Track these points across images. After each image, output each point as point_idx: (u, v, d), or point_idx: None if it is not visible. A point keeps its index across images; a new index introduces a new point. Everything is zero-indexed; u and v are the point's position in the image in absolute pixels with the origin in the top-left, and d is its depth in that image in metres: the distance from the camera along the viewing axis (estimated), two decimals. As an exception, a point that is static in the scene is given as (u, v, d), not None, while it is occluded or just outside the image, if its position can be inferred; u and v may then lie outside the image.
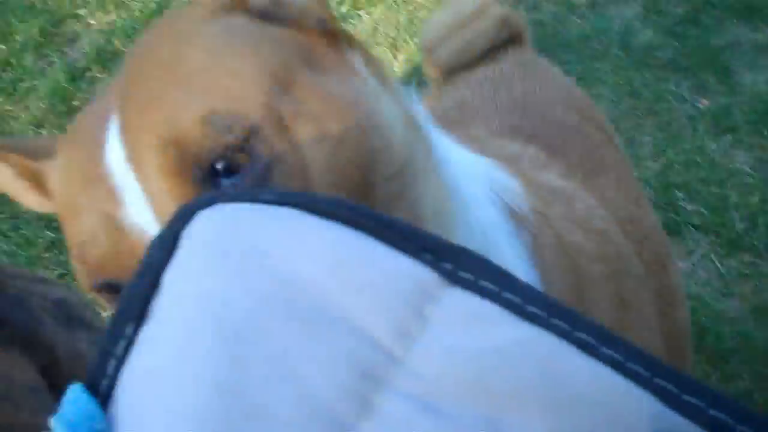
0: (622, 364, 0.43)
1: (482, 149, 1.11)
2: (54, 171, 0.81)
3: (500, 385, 0.42)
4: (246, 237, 0.49)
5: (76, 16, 3.68)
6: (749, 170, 2.90)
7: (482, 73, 1.57)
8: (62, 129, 3.05)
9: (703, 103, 3.19)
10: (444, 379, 0.43)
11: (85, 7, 3.71)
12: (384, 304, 0.45)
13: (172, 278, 0.49)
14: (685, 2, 3.59)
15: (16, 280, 1.56)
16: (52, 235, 2.73)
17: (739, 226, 2.70)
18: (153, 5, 3.65)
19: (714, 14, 3.53)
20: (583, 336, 0.44)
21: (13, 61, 3.43)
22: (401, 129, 0.81)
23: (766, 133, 3.02)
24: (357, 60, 0.83)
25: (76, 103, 3.23)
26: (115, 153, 0.70)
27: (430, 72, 1.71)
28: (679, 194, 2.81)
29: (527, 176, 1.12)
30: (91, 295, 0.77)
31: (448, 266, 0.47)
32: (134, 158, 0.69)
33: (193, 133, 0.67)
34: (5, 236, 2.73)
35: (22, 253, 2.68)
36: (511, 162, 1.14)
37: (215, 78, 0.71)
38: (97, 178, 0.71)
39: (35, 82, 3.33)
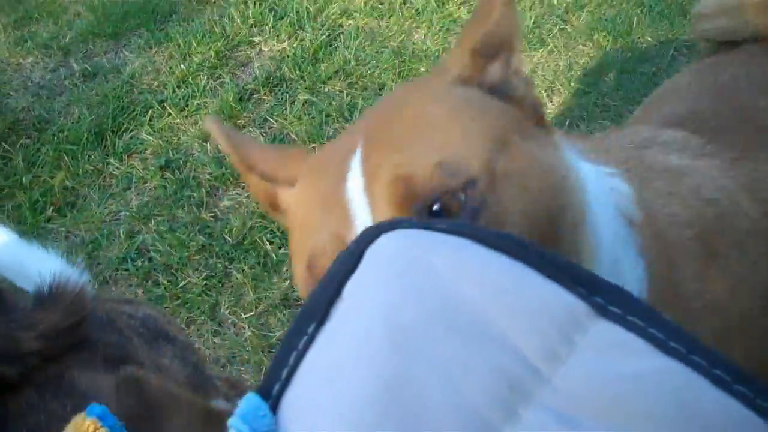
0: (752, 400, 0.47)
1: (616, 138, 1.30)
2: (287, 194, 1.03)
3: (636, 407, 0.46)
4: (421, 258, 0.55)
5: (251, 43, 3.92)
6: None
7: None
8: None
9: None
10: (584, 397, 0.48)
11: (260, 35, 3.95)
12: (537, 328, 0.51)
13: (353, 288, 0.57)
14: None
15: (105, 303, 1.68)
16: (203, 239, 2.90)
17: None
18: (323, 38, 3.84)
19: None
20: (718, 372, 0.48)
21: (189, 79, 3.68)
22: (580, 188, 0.96)
23: None
24: (553, 132, 1.01)
25: (241, 121, 3.43)
26: (355, 183, 0.85)
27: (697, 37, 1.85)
28: None
29: (636, 159, 1.25)
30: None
31: (599, 300, 0.52)
32: (369, 189, 0.84)
33: (424, 174, 0.81)
34: (162, 237, 2.92)
35: (175, 254, 2.85)
36: (636, 147, 1.29)
37: (451, 134, 0.86)
38: (335, 204, 0.86)
39: (206, 100, 3.56)
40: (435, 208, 0.81)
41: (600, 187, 1.07)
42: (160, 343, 1.71)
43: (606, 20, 3.86)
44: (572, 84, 3.43)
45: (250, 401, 0.53)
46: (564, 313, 0.51)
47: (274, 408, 0.53)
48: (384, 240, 0.59)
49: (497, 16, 0.97)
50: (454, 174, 0.81)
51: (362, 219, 0.83)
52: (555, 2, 4.00)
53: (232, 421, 0.51)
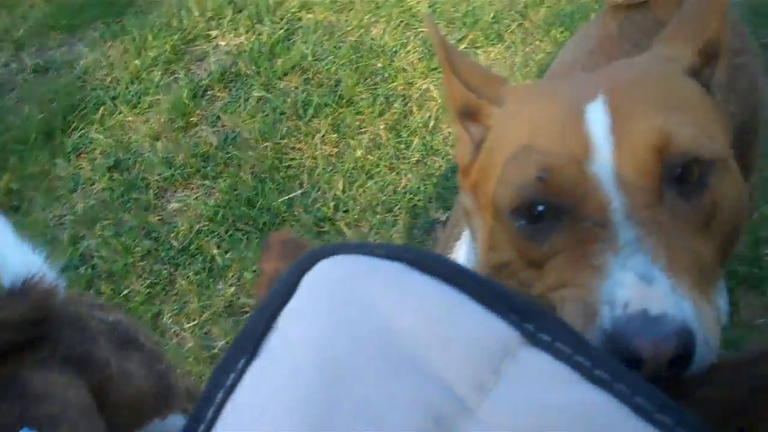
0: (672, 429, 0.46)
1: None
2: (497, 111, 1.08)
3: None
4: (355, 288, 0.54)
5: (208, 37, 3.86)
6: None
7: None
8: (177, 143, 3.22)
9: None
10: (507, 429, 0.46)
11: (218, 29, 3.90)
12: (466, 358, 0.49)
13: (287, 319, 0.55)
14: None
15: (76, 305, 1.67)
16: (149, 243, 2.87)
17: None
18: (281, 32, 3.79)
19: None
20: (640, 401, 0.47)
21: (143, 75, 3.63)
22: None
23: None
24: None
25: (193, 119, 3.39)
26: (599, 119, 0.91)
27: None
28: (766, 250, 2.67)
29: None
30: (515, 208, 0.94)
31: (530, 327, 0.51)
32: (618, 129, 0.90)
33: (684, 137, 0.88)
34: (107, 242, 2.88)
35: (119, 260, 2.82)
36: None
37: (704, 115, 0.95)
38: (572, 129, 0.92)
39: (158, 97, 3.51)
40: (680, 170, 0.87)
41: None
42: (128, 349, 1.71)
43: (564, 15, 3.83)
44: (528, 81, 3.40)
45: None
46: (495, 341, 0.50)
47: None
48: (322, 266, 0.57)
49: (718, 24, 1.06)
50: (706, 148, 0.88)
51: (603, 154, 0.89)
52: (515, -4, 3.97)
53: None
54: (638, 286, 0.79)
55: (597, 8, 3.72)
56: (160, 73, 3.64)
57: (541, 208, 0.91)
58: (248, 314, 2.58)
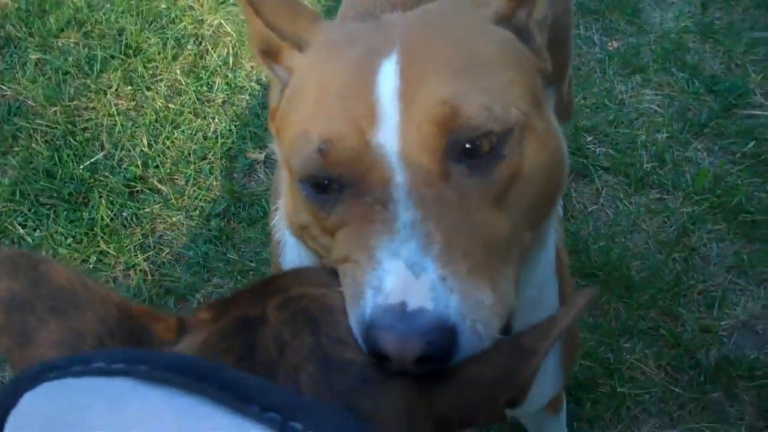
0: None
1: None
2: (297, 58, 1.00)
3: None
4: (72, 424, 0.46)
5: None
6: (657, 108, 2.88)
7: None
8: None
9: (613, 45, 3.16)
10: None
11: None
12: None
13: None
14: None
15: None
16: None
17: (647, 165, 2.68)
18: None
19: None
20: None
21: None
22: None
23: (674, 70, 3.00)
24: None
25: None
26: (389, 83, 0.84)
27: None
28: (588, 138, 2.78)
29: None
30: (301, 177, 0.89)
31: (297, 426, 0.47)
32: (406, 97, 0.83)
33: (472, 111, 0.82)
34: None
35: None
36: None
37: (499, 78, 0.88)
38: (360, 93, 0.85)
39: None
40: (468, 146, 0.83)
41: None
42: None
43: None
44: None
45: None
46: None
47: None
48: (29, 402, 0.49)
49: None
50: (498, 119, 0.83)
51: (389, 123, 0.83)
52: None
53: None
54: (403, 277, 0.76)
55: None
56: None
57: (324, 180, 0.87)
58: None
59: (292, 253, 1.21)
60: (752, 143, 2.71)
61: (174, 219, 2.63)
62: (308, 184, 0.88)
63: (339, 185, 0.86)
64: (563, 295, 1.26)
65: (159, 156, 2.81)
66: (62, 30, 3.32)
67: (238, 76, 3.07)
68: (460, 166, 0.83)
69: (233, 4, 3.35)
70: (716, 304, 2.28)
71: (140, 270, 2.50)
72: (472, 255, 0.78)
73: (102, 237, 2.57)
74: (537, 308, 1.07)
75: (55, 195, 2.70)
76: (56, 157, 2.80)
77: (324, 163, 0.85)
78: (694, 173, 2.64)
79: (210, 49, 3.18)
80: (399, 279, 0.76)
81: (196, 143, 2.85)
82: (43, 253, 2.54)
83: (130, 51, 3.18)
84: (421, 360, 0.70)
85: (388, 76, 0.85)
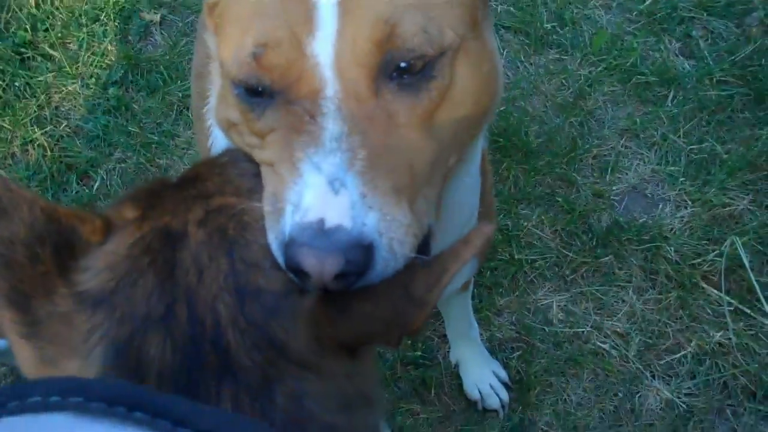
0: None
1: None
2: None
3: None
4: None
5: None
6: (555, -37, 2.88)
7: None
8: None
9: None
10: None
11: None
12: None
13: None
14: None
15: None
16: None
17: (547, 24, 2.70)
18: None
19: None
20: None
21: None
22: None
23: None
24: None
25: None
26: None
27: None
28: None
29: None
30: (233, 78, 0.87)
31: None
32: (345, 7, 0.82)
33: (408, 31, 0.82)
34: None
35: None
36: None
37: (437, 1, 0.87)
38: (299, 1, 0.83)
39: None
40: (402, 65, 0.83)
41: None
42: None
43: None
44: None
45: None
46: None
47: None
48: None
49: None
50: (433, 42, 0.84)
51: (326, 33, 0.82)
52: None
53: None
54: (324, 193, 0.78)
55: None
56: None
57: (257, 87, 0.86)
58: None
59: (222, 142, 1.19)
60: (649, 1, 2.75)
61: (69, 88, 2.55)
62: (240, 84, 0.87)
63: (271, 91, 0.86)
64: (484, 207, 1.33)
65: (48, 18, 2.68)
66: None
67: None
68: (390, 84, 0.84)
69: None
70: (609, 169, 2.38)
71: (38, 145, 2.44)
72: (394, 173, 0.81)
73: (-5, 110, 2.49)
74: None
75: (-64, 67, 2.58)
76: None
77: (257, 67, 0.84)
78: (593, 33, 2.68)
79: None
80: (318, 195, 0.78)
81: (86, 3, 2.73)
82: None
83: None
84: (340, 276, 0.74)
85: None
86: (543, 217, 2.31)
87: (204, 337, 0.68)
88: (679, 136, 2.44)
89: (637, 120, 2.48)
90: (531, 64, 2.65)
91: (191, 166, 0.84)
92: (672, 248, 2.22)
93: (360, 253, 0.76)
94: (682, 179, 2.36)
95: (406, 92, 0.85)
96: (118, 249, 0.72)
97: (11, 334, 0.70)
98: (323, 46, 0.82)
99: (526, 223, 2.29)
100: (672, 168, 2.39)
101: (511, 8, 2.76)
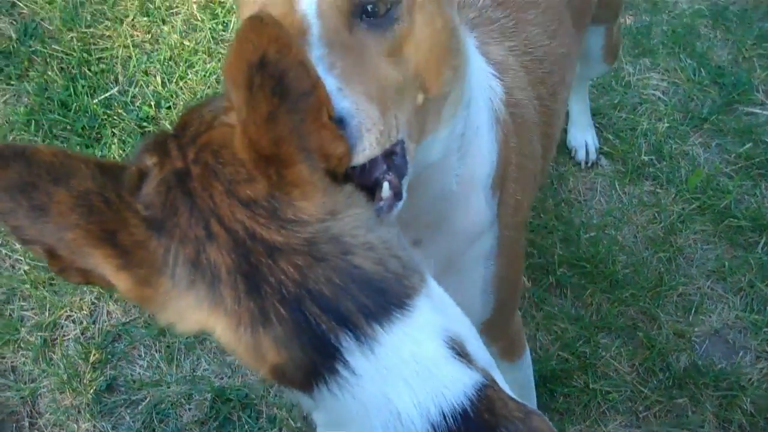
0: None
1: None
2: None
3: None
4: None
5: None
6: (662, 95, 2.95)
7: None
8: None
9: (626, 20, 3.18)
10: None
11: None
12: None
13: None
14: None
15: None
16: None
17: (645, 156, 2.76)
18: None
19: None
20: None
21: None
22: (465, 51, 1.30)
23: (682, 56, 3.04)
24: None
25: (-16, 8, 3.11)
26: None
27: None
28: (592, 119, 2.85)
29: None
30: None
31: None
32: None
33: None
34: None
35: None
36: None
37: None
38: None
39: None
40: (369, 8, 1.10)
41: (481, 75, 1.44)
42: None
43: None
44: None
45: None
46: None
47: None
48: None
49: None
50: None
51: None
52: None
53: None
54: None
55: None
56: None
57: None
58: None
59: None
60: (749, 145, 2.79)
61: (183, 164, 2.69)
62: None
63: None
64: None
65: (172, 97, 2.85)
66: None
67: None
68: (362, 24, 1.10)
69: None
70: (693, 309, 2.41)
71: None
72: (366, 85, 1.06)
73: (112, 177, 2.64)
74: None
75: (68, 128, 2.75)
76: (71, 88, 2.84)
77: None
78: (689, 170, 2.73)
79: (228, -14, 3.19)
80: None
81: (209, 86, 2.89)
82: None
83: (148, -20, 3.18)
84: None
85: None
86: (622, 349, 2.33)
87: (243, 238, 0.88)
88: (767, 285, 2.46)
89: (726, 263, 2.50)
90: (625, 193, 2.70)
91: (181, 115, 1.03)
92: (748, 399, 2.22)
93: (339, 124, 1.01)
94: (765, 329, 2.36)
95: (374, 30, 1.11)
96: (150, 189, 0.91)
97: (107, 270, 0.88)
98: (308, 2, 1.09)
99: (604, 353, 2.32)
100: (756, 317, 2.40)
101: (610, 136, 2.83)
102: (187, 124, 0.98)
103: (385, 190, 1.07)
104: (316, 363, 0.88)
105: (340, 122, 0.99)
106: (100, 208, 0.87)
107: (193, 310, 0.90)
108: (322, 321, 0.87)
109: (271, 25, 0.91)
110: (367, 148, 1.02)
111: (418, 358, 0.89)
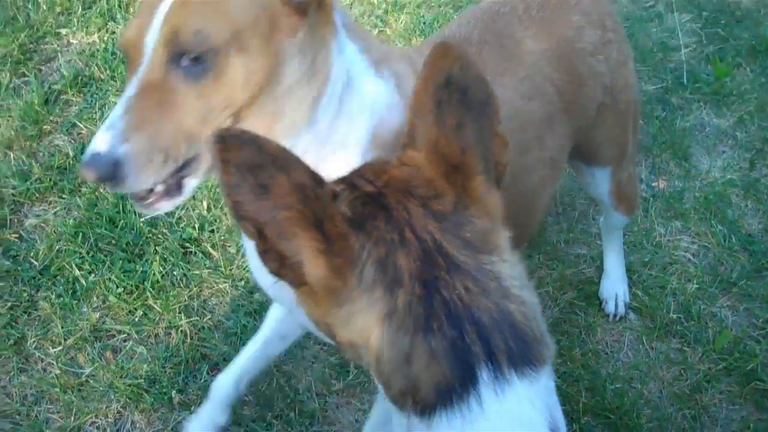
0: None
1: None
2: None
3: None
4: None
5: (57, 35, 3.72)
6: (692, 258, 3.00)
7: None
8: (32, 154, 3.11)
9: (659, 185, 3.27)
10: None
11: (68, 26, 3.76)
12: None
13: None
14: (657, 79, 3.70)
15: None
16: (8, 263, 2.78)
17: (673, 314, 2.79)
18: (135, 30, 3.69)
19: (684, 96, 3.63)
20: None
21: (-11, 77, 3.46)
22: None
23: (713, 222, 3.11)
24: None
25: (47, 127, 3.28)
26: (164, 8, 1.30)
27: None
28: (622, 275, 2.89)
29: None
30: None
31: None
32: (165, 18, 1.29)
33: (186, 36, 1.27)
34: (-36, 261, 2.78)
35: (-23, 279, 2.73)
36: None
37: (217, 6, 1.30)
38: (150, 12, 1.30)
39: (9, 101, 3.36)
40: (184, 56, 1.28)
41: (363, 83, 1.51)
42: None
43: (424, 23, 3.93)
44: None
45: None
46: None
47: None
48: None
49: None
50: (205, 41, 1.28)
51: (154, 33, 1.29)
52: (375, 2, 4.03)
53: None
54: (105, 128, 1.29)
55: (455, 14, 3.85)
56: (8, 74, 3.48)
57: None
58: (115, 339, 2.57)
59: None
60: (776, 315, 2.82)
61: (220, 286, 2.77)
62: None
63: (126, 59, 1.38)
64: None
65: (216, 221, 2.95)
66: (143, 78, 3.48)
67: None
68: (178, 69, 1.29)
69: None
70: (717, 468, 2.38)
71: (181, 331, 2.63)
72: (157, 128, 1.28)
73: (151, 292, 2.71)
74: None
75: (113, 243, 2.85)
76: (120, 205, 2.95)
77: (123, 44, 1.36)
78: (717, 331, 2.75)
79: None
80: (102, 129, 1.29)
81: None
82: (94, 298, 2.69)
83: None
84: (103, 180, 1.28)
85: (167, 4, 1.29)
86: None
87: (431, 248, 0.98)
88: (793, 452, 2.43)
89: (751, 425, 2.48)
90: (652, 348, 2.71)
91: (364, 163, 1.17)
92: None
93: (108, 167, 1.26)
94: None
95: (188, 76, 1.29)
96: (344, 203, 1.04)
97: (307, 254, 0.98)
98: (150, 39, 1.29)
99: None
100: (782, 482, 2.36)
101: (640, 292, 2.87)
102: (357, 179, 1.10)
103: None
104: (454, 386, 0.92)
105: (114, 164, 1.25)
106: (311, 198, 0.98)
107: (361, 314, 0.98)
108: (476, 346, 0.93)
109: (455, 48, 1.03)
110: (149, 178, 1.30)
111: (526, 423, 0.93)
